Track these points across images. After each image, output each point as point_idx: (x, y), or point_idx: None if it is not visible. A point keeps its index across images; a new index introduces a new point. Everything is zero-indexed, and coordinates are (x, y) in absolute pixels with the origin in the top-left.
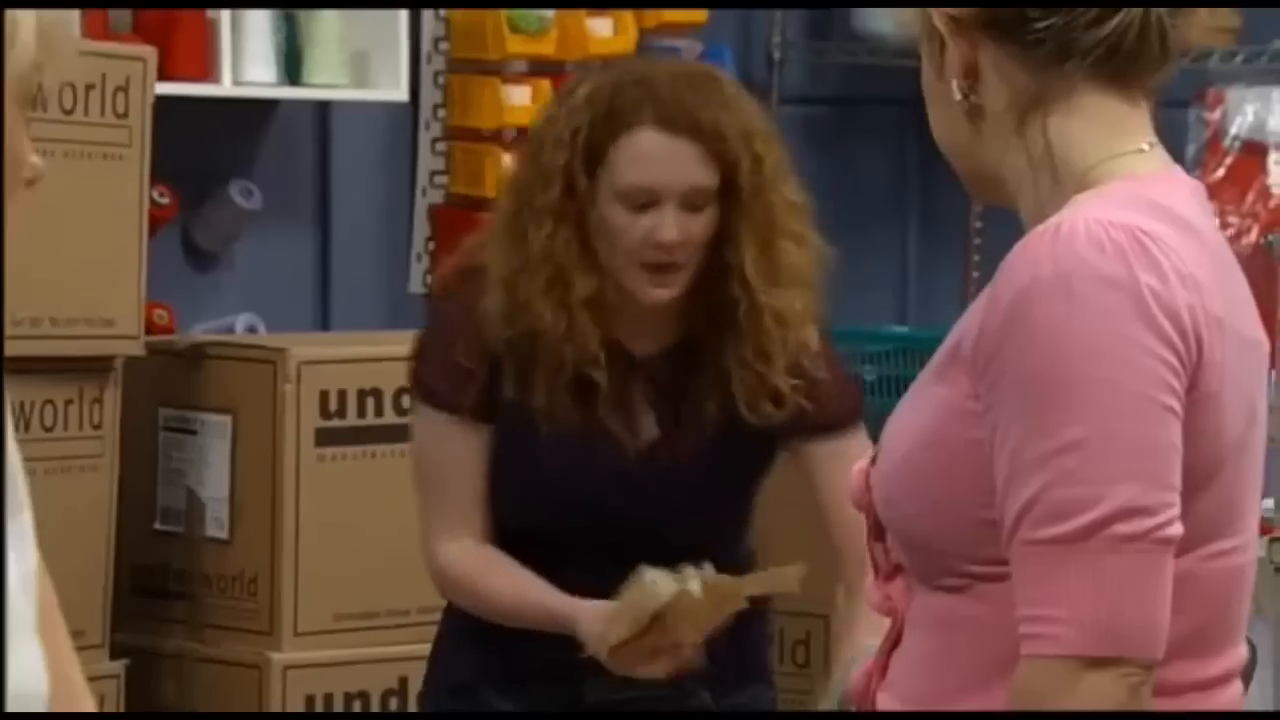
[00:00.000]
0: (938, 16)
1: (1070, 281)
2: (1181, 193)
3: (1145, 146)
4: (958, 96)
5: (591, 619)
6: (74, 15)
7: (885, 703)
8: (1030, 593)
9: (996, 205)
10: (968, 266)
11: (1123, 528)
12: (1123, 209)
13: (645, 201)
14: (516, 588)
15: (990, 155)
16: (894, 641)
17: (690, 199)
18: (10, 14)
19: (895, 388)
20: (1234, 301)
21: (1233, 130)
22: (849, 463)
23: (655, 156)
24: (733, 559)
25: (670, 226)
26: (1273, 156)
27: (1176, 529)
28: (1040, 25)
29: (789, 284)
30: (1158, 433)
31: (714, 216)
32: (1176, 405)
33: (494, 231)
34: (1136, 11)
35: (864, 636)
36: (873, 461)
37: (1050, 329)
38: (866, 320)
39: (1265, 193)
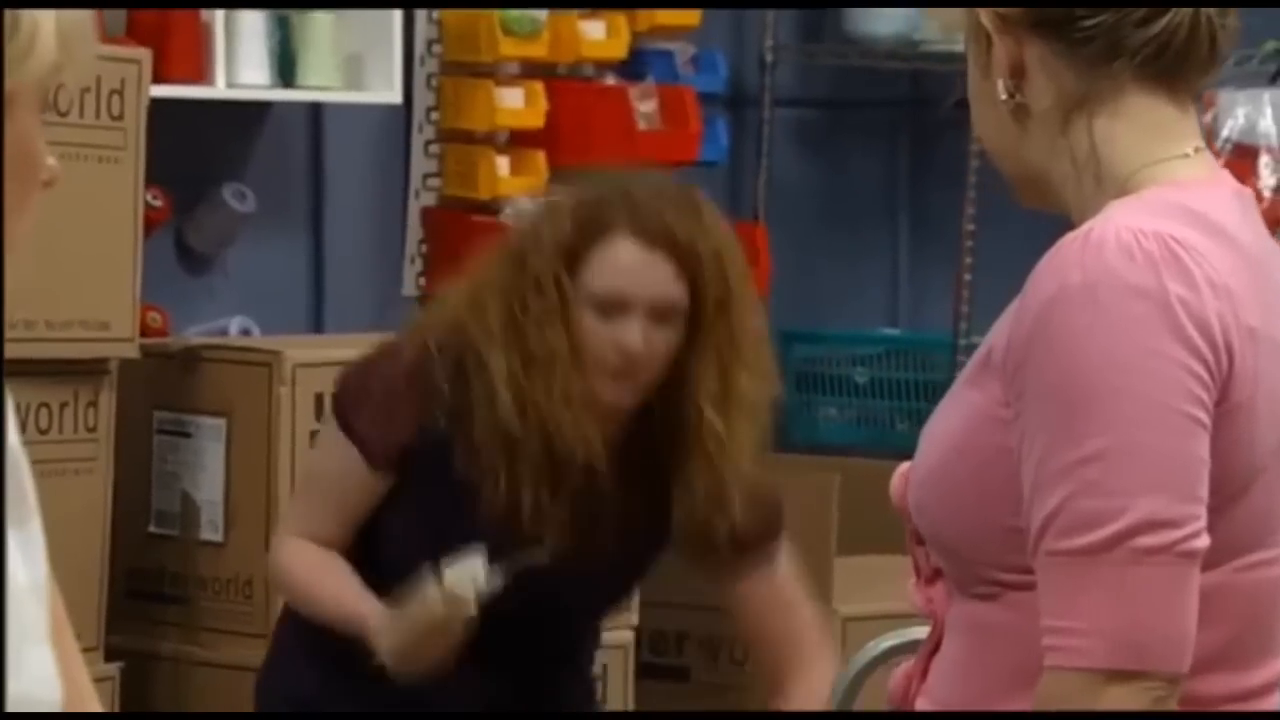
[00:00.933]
0: (985, 15)
1: (1097, 290)
2: (1222, 199)
3: (1190, 151)
4: (1003, 96)
5: (377, 624)
6: (91, 17)
7: (922, 706)
8: (1054, 603)
9: (1044, 209)
10: (959, 269)
11: (1146, 540)
12: (1156, 216)
13: (615, 309)
14: (338, 588)
15: (1035, 156)
16: (934, 645)
17: (659, 311)
18: (31, 16)
19: (886, 390)
20: (1271, 309)
21: (1224, 133)
22: (775, 590)
23: (629, 265)
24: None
25: (636, 337)
26: (1263, 159)
27: (1202, 542)
28: (1089, 23)
29: (738, 412)
30: (1183, 444)
31: (678, 334)
32: (1204, 417)
33: (488, 334)
34: (1186, 11)
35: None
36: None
37: (1076, 338)
38: (858, 323)
39: (1257, 195)
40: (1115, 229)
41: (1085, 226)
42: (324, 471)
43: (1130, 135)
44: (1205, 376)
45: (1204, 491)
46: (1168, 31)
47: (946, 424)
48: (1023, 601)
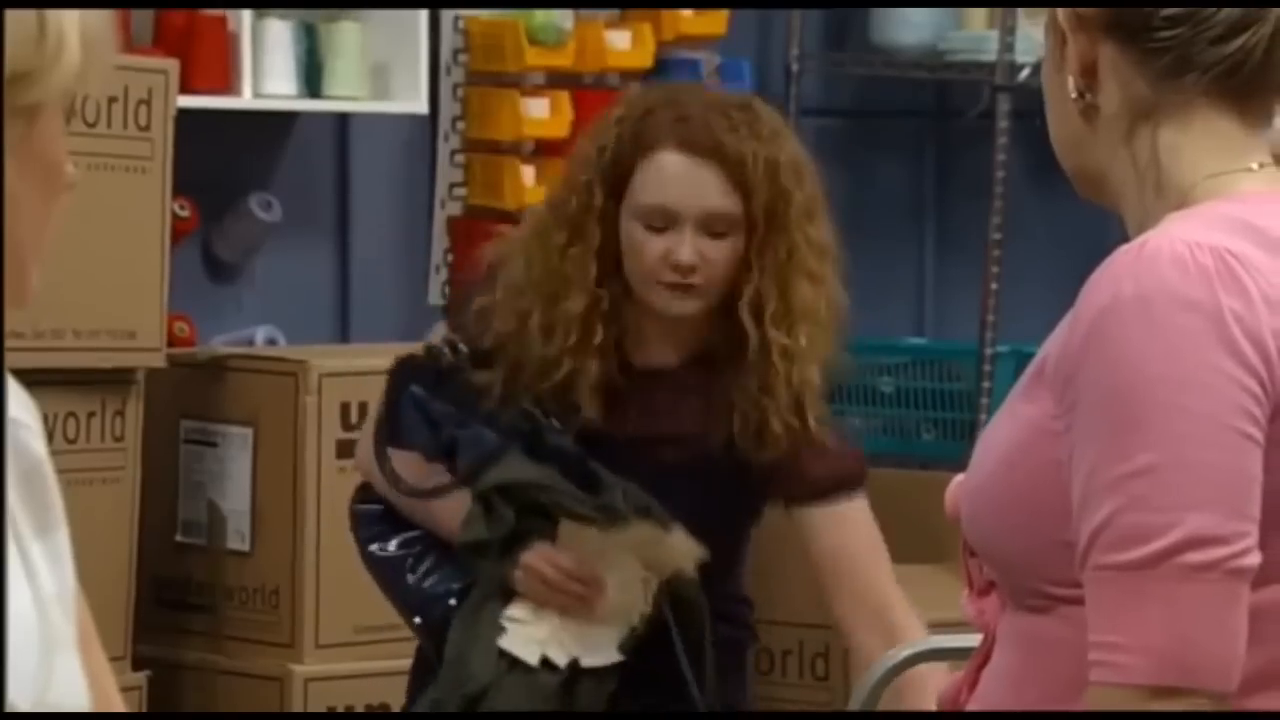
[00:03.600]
0: (1061, 12)
1: (1150, 303)
2: None
3: (1255, 166)
4: (1073, 94)
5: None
6: (113, 24)
7: None
8: (1100, 619)
9: (1100, 204)
10: (986, 278)
11: (1194, 556)
12: (1212, 229)
13: (664, 222)
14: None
15: (1098, 156)
16: (985, 656)
17: (709, 223)
18: (58, 24)
19: (913, 399)
20: None
21: None
22: (849, 529)
23: (675, 178)
24: (725, 601)
25: (687, 249)
26: None
27: (1252, 559)
28: (1164, 35)
29: (799, 322)
30: (1234, 460)
31: (737, 245)
32: (1256, 433)
33: (523, 239)
34: (1266, 30)
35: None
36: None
37: (1127, 351)
38: (884, 332)
39: None
40: (1170, 241)
41: (1141, 238)
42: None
43: (1195, 150)
44: (1259, 392)
45: (1255, 509)
46: (1243, 51)
47: (999, 437)
48: (1075, 615)
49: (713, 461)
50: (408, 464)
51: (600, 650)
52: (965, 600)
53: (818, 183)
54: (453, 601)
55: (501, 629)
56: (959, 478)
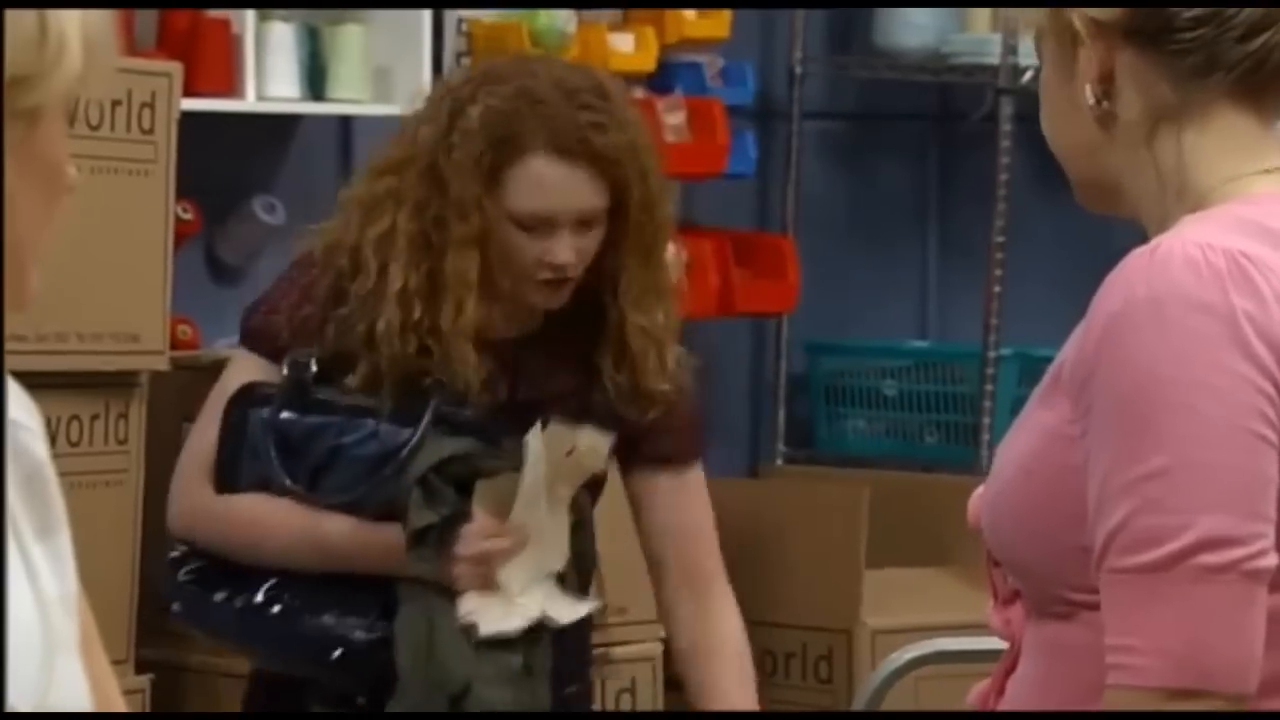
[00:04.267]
0: (1078, 18)
1: (1163, 305)
2: None
3: (1271, 167)
4: (1091, 101)
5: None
6: (113, 26)
7: None
8: (1116, 621)
9: (1106, 213)
10: (989, 281)
11: (1209, 558)
12: (1226, 231)
13: (540, 225)
14: (305, 514)
15: (1115, 163)
16: (1011, 665)
17: (584, 220)
18: (59, 26)
19: (916, 402)
20: None
21: None
22: (690, 498)
23: (550, 184)
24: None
25: (565, 249)
26: None
27: (1268, 561)
28: (1189, 36)
29: (660, 301)
30: (1248, 462)
31: (603, 230)
32: (1271, 434)
33: (397, 249)
34: None
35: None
36: None
37: (1140, 354)
38: (887, 334)
39: None
40: (1182, 243)
41: (1154, 241)
42: (220, 395)
43: (1217, 151)
44: (1273, 393)
45: (1271, 510)
46: (1266, 48)
47: (1017, 444)
48: (1096, 621)
49: (595, 418)
50: (255, 502)
51: (561, 601)
52: (991, 610)
53: (659, 155)
54: (362, 634)
55: (472, 625)
56: (981, 489)
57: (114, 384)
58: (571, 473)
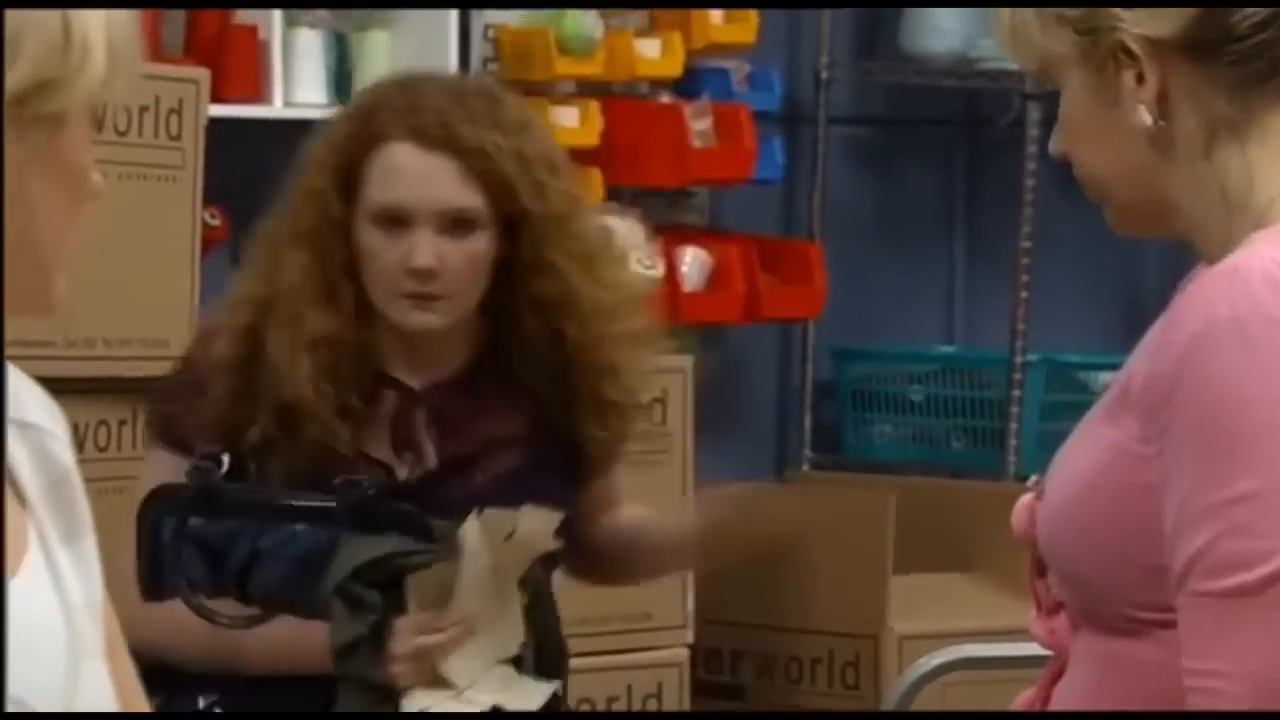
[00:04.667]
0: (1131, 38)
1: (1246, 326)
2: None
3: None
4: (1147, 122)
5: (341, 628)
6: (138, 31)
7: None
8: (1198, 645)
9: (1151, 236)
10: (1016, 286)
11: None
12: None
13: (398, 222)
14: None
15: (1173, 183)
16: (1056, 674)
17: (450, 221)
18: (83, 32)
19: (942, 407)
20: None
21: None
22: (614, 503)
23: (406, 173)
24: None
25: (424, 252)
26: None
27: None
28: (1250, 42)
29: (593, 317)
30: None
31: (484, 245)
32: None
33: (251, 257)
34: None
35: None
36: (1039, 495)
37: (1224, 375)
38: (914, 340)
39: None
40: (1261, 261)
41: (1230, 260)
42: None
43: (1272, 160)
44: None
45: None
46: None
47: (1079, 460)
48: (1159, 637)
49: (541, 455)
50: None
51: (519, 687)
52: (1034, 619)
53: (574, 179)
54: None
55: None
56: (1026, 498)
57: (142, 389)
58: (516, 557)
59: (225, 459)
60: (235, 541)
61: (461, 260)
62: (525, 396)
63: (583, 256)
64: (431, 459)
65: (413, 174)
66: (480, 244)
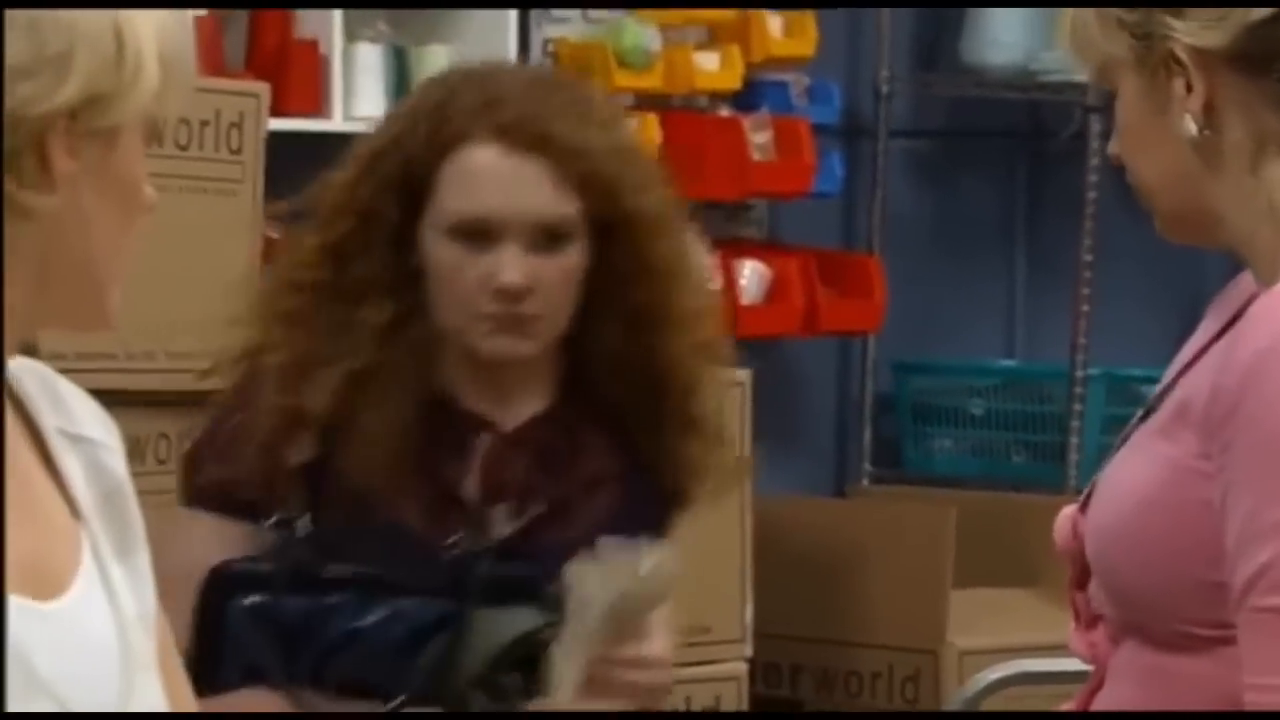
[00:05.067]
0: (1180, 47)
1: None
2: None
3: None
4: (1193, 132)
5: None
6: (191, 43)
7: None
8: (1259, 660)
9: (1195, 244)
10: (1076, 300)
11: None
12: None
13: (480, 236)
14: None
15: (1217, 193)
16: (1095, 688)
17: (542, 233)
18: (135, 45)
19: (1003, 421)
20: None
21: None
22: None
23: (492, 179)
24: None
25: (513, 268)
26: None
27: None
28: None
29: (711, 319)
30: None
31: (577, 258)
32: None
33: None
34: None
35: None
36: (1081, 508)
37: None
38: (974, 353)
39: None
40: None
41: None
42: (184, 573)
43: None
44: None
45: None
46: None
47: (1134, 475)
48: (1216, 653)
49: (635, 491)
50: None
51: None
52: (1072, 632)
53: (666, 175)
54: None
55: None
56: (1068, 509)
57: (201, 402)
58: (645, 599)
59: (305, 521)
60: (324, 622)
61: (556, 276)
62: (613, 426)
63: (679, 261)
64: (532, 508)
65: (499, 180)
66: (574, 257)
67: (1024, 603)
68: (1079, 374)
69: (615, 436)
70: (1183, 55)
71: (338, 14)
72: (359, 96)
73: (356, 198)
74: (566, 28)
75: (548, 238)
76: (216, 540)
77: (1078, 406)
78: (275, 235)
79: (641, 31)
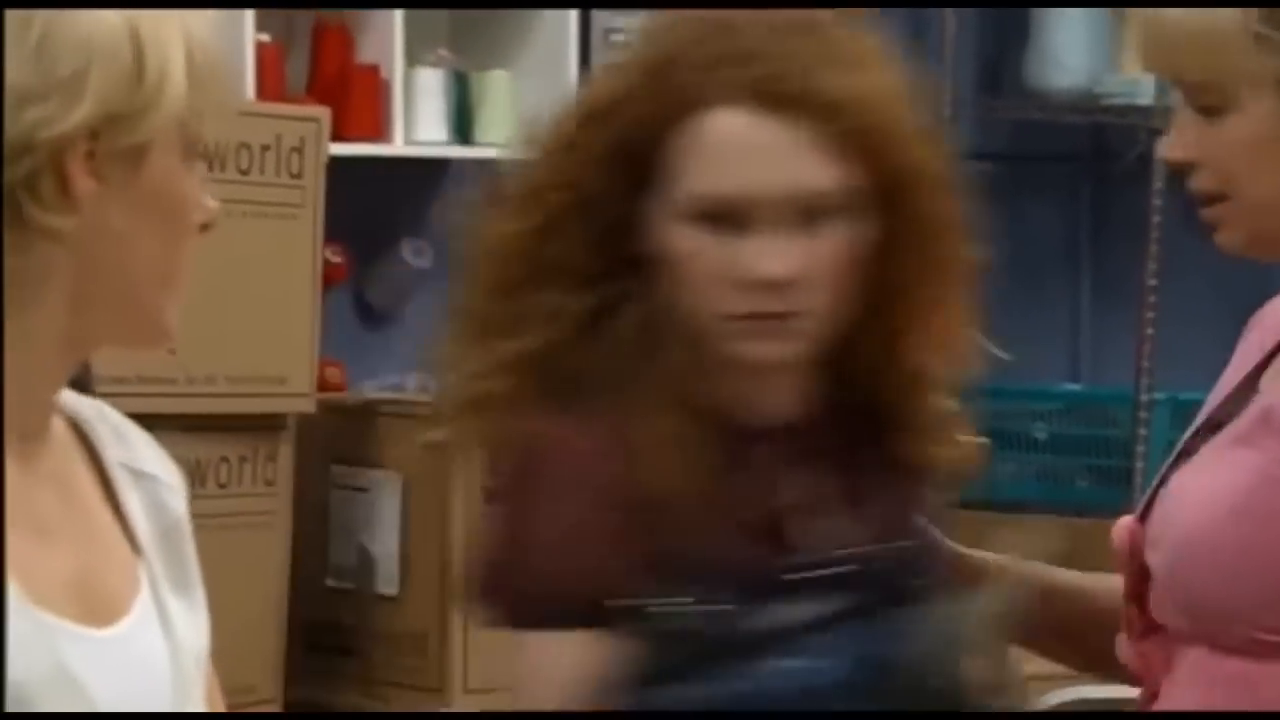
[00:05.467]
0: None
1: None
2: None
3: None
4: None
5: None
6: (221, 58)
7: None
8: None
9: (1271, 259)
10: (1141, 323)
11: None
12: None
13: (728, 220)
14: None
15: None
16: (1149, 700)
17: (803, 211)
18: (159, 60)
19: (1067, 446)
20: None
21: None
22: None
23: (746, 151)
24: None
25: (774, 256)
26: None
27: None
28: None
29: (943, 349)
30: None
31: (846, 238)
32: None
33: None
34: None
35: None
36: (1140, 518)
37: None
38: (1039, 377)
39: None
40: None
41: None
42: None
43: None
44: None
45: None
46: None
47: (1216, 484)
48: None
49: (901, 494)
50: None
51: None
52: (1124, 644)
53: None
54: None
55: None
56: (1126, 519)
57: (262, 426)
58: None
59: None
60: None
61: (824, 262)
62: (868, 423)
63: (955, 226)
64: (837, 528)
65: (754, 152)
66: (842, 236)
67: None
68: (1144, 398)
69: (871, 436)
70: None
71: (399, 39)
72: (420, 121)
73: (562, 173)
74: (628, 5)
75: (809, 216)
76: (580, 661)
77: (1143, 431)
78: (335, 260)
79: None
